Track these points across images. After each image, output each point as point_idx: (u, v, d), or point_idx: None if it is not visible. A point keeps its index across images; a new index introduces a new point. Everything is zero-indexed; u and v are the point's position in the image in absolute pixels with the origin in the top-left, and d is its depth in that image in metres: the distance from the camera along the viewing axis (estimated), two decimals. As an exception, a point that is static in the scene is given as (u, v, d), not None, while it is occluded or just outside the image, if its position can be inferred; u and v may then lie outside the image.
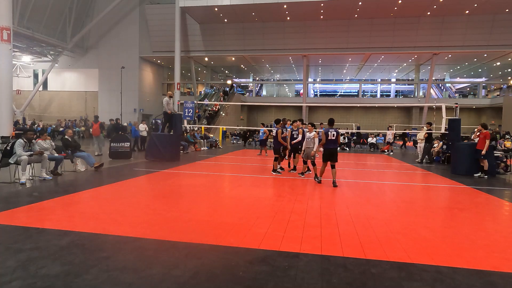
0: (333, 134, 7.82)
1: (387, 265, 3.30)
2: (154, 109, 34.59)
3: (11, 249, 3.50)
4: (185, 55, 30.98)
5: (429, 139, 13.74)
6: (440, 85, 44.34)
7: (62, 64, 32.84)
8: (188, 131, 18.38)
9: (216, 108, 30.73)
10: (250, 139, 23.65)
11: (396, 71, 40.45)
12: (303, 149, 8.96)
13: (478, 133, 10.27)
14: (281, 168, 9.95)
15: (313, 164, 8.66)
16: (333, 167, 7.82)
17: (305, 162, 9.39)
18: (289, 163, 10.44)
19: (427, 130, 13.87)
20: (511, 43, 26.91)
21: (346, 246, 3.80)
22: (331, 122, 8.08)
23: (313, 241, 3.96)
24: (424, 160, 13.77)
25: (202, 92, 36.92)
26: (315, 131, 8.77)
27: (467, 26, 27.16)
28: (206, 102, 30.12)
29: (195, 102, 18.25)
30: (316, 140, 8.60)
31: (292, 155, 10.13)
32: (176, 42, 27.41)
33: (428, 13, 26.44)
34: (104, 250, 3.53)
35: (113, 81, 31.75)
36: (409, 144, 24.40)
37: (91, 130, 14.53)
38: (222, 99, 32.41)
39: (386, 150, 19.44)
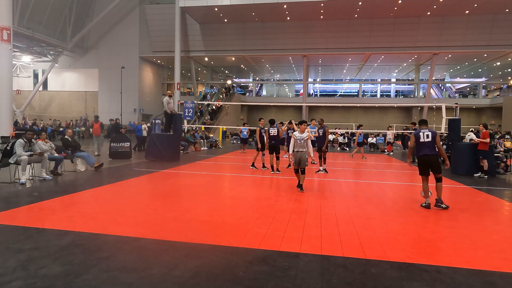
0: (427, 135, 5.95)
1: (387, 265, 3.30)
2: (154, 109, 34.59)
3: (11, 249, 3.50)
4: (185, 55, 30.98)
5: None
6: (440, 85, 44.32)
7: (62, 64, 32.84)
8: (189, 130, 18.42)
9: (218, 104, 30.92)
10: (250, 139, 23.66)
11: (396, 71, 40.45)
12: (290, 152, 7.26)
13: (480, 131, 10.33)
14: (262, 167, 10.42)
15: (303, 172, 7.07)
16: (438, 180, 5.87)
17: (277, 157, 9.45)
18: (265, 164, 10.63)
19: (412, 130, 14.05)
20: (511, 43, 26.90)
21: (346, 246, 3.80)
22: (423, 123, 6.21)
23: (313, 241, 3.96)
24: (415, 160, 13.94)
25: (202, 92, 36.93)
26: (309, 131, 7.92)
27: (467, 26, 27.16)
28: (206, 102, 30.16)
29: (195, 102, 18.27)
30: (310, 143, 7.23)
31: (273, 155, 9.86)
32: (176, 42, 27.42)
33: (428, 13, 26.44)
34: (104, 250, 3.53)
35: (113, 81, 31.75)
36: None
37: (91, 130, 14.54)
38: (224, 95, 32.63)
39: (387, 150, 19.45)
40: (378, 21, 27.88)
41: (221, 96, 33.98)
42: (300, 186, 7.07)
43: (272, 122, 9.88)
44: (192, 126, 20.15)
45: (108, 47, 32.74)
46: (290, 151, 7.17)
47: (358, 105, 36.32)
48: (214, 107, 30.78)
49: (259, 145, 10.40)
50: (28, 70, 35.05)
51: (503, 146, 12.94)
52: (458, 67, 37.10)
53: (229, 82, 38.13)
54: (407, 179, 9.55)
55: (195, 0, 26.08)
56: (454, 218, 5.26)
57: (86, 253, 3.43)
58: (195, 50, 31.66)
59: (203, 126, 21.50)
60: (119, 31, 32.39)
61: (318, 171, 9.94)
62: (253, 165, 10.57)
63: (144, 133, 16.27)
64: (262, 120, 11.20)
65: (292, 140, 7.15)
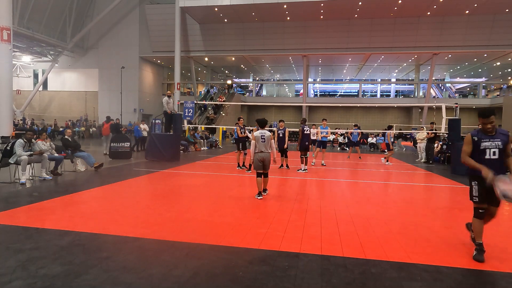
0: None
1: (387, 265, 3.30)
2: (154, 109, 34.58)
3: (11, 249, 3.50)
4: (185, 55, 30.98)
5: (432, 139, 13.75)
6: (440, 85, 44.32)
7: (62, 64, 32.83)
8: (192, 128, 18.46)
9: (221, 100, 31.10)
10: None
11: (396, 71, 40.44)
12: (252, 154, 6.28)
13: None
14: (243, 166, 10.50)
15: (266, 175, 6.34)
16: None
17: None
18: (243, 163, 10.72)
19: (430, 130, 13.88)
20: (511, 43, 26.90)
21: (346, 246, 3.80)
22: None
23: (313, 241, 3.96)
24: (429, 159, 13.86)
25: (203, 92, 36.92)
26: (318, 132, 7.32)
27: (467, 26, 27.15)
28: (207, 102, 30.20)
29: (195, 102, 18.28)
30: (273, 143, 6.33)
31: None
32: (176, 42, 27.42)
33: (428, 13, 26.44)
34: (104, 250, 3.53)
35: (113, 81, 31.75)
36: (409, 143, 24.33)
37: (91, 130, 14.53)
38: (227, 92, 32.84)
39: (386, 150, 19.42)
40: (378, 21, 27.87)
41: (218, 98, 33.99)
42: (264, 190, 6.41)
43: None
44: (193, 126, 20.13)
45: (108, 47, 32.73)
46: (252, 153, 6.21)
47: (358, 105, 36.28)
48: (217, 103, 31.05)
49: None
50: (28, 70, 35.04)
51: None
52: (458, 67, 37.09)
53: (229, 82, 38.15)
54: (406, 179, 9.55)
55: (195, 0, 26.07)
56: (454, 218, 5.26)
57: (86, 253, 3.43)
58: (195, 50, 31.66)
59: (203, 126, 21.50)
60: (119, 31, 32.38)
61: (299, 170, 10.20)
62: (239, 165, 10.57)
63: (144, 133, 16.25)
64: (242, 119, 11.33)
65: (253, 142, 6.21)
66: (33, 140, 7.91)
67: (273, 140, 6.34)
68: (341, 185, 8.27)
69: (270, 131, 6.72)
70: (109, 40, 32.73)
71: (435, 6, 24.97)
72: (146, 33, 31.72)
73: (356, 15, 27.23)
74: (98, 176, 8.47)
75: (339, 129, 27.87)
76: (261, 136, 6.17)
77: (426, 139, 13.98)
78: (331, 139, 24.22)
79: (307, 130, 10.36)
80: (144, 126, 16.40)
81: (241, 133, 10.63)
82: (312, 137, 11.70)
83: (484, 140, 3.60)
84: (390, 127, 13.49)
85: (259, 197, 6.21)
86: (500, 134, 3.60)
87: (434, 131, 13.66)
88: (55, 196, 6.04)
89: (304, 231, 4.33)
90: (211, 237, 4.02)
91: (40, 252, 3.42)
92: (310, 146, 10.72)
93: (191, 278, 2.92)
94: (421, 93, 39.17)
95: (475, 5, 24.54)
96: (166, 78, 39.10)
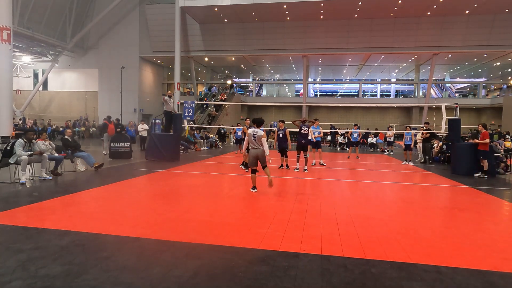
0: None
1: (387, 265, 3.30)
2: (154, 109, 34.57)
3: (11, 249, 3.50)
4: (185, 55, 30.98)
5: (428, 138, 13.78)
6: (440, 85, 44.32)
7: (62, 64, 32.80)
8: (194, 128, 18.49)
9: (223, 97, 31.21)
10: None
11: (396, 71, 40.43)
12: (244, 150, 6.81)
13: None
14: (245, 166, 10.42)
15: (264, 167, 6.79)
16: None
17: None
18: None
19: (425, 130, 13.91)
20: (511, 43, 26.89)
21: (346, 246, 3.80)
22: None
23: (313, 241, 3.96)
24: (426, 160, 13.86)
25: (202, 92, 36.93)
26: (311, 132, 7.75)
27: (467, 26, 27.14)
28: (208, 102, 30.24)
29: (195, 102, 18.27)
30: (265, 141, 6.70)
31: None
32: (176, 42, 27.41)
33: (428, 13, 26.43)
34: (104, 250, 3.53)
35: (113, 81, 31.73)
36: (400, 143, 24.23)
37: (91, 130, 14.51)
38: (228, 90, 32.99)
39: (386, 150, 19.42)
40: (378, 21, 27.86)
41: (220, 96, 34.00)
42: (270, 183, 6.67)
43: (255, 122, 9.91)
44: (193, 126, 20.13)
45: (108, 47, 32.71)
46: (244, 148, 6.71)
47: (358, 105, 36.29)
48: (219, 99, 31.19)
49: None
50: (28, 70, 35.00)
51: (503, 146, 12.94)
52: (458, 67, 37.08)
53: (229, 82, 38.15)
54: (406, 179, 9.55)
55: (195, 0, 26.07)
56: (454, 218, 5.26)
57: (86, 253, 3.43)
58: (195, 50, 31.65)
59: (199, 128, 21.50)
60: (119, 31, 32.36)
61: (296, 169, 10.41)
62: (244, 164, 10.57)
63: (144, 133, 16.26)
64: (248, 120, 11.26)
65: (246, 138, 6.80)
66: (33, 140, 7.91)
67: (264, 139, 6.66)
68: (341, 185, 8.27)
69: (270, 131, 6.87)
70: (109, 40, 32.72)
71: (435, 6, 24.96)
72: (146, 33, 31.71)
73: (356, 15, 27.22)
74: (98, 176, 8.47)
75: (338, 129, 27.85)
76: (253, 134, 6.67)
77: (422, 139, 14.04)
78: (330, 139, 24.19)
79: (304, 130, 10.39)
80: (143, 126, 16.41)
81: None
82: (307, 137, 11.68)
83: None
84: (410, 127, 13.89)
85: (253, 190, 6.71)
86: None
87: (428, 131, 13.71)
88: (55, 196, 6.04)
89: (304, 231, 4.33)
90: (211, 237, 4.02)
91: (40, 252, 3.42)
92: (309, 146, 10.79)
93: (191, 278, 2.92)
94: (421, 93, 39.18)
95: (475, 5, 24.53)
96: (166, 78, 39.09)
